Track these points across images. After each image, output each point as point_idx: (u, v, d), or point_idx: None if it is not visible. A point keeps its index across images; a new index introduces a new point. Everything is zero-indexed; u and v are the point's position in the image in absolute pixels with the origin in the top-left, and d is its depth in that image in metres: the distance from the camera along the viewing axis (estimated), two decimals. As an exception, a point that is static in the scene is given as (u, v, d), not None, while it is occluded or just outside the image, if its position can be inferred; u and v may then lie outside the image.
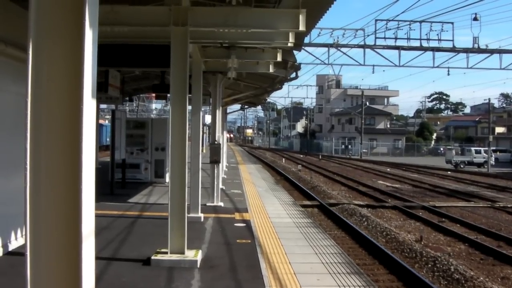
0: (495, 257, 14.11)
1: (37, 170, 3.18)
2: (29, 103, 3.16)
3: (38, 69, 3.17)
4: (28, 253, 3.19)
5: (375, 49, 38.04)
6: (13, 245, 9.48)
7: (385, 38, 37.84)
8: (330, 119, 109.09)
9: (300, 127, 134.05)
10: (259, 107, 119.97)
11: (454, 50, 37.86)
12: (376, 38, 37.50)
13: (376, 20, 37.24)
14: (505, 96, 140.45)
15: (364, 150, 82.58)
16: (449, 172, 49.26)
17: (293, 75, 19.30)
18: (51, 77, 3.19)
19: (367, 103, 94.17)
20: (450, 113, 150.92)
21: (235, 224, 13.02)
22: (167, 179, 19.48)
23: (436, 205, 24.13)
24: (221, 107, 19.95)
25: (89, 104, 3.21)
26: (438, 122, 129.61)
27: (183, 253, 9.07)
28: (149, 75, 20.68)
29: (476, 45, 37.67)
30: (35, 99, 3.17)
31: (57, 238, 3.20)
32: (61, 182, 3.20)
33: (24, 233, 8.61)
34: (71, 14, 3.17)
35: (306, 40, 25.12)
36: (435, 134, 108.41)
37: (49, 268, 3.21)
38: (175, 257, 9.00)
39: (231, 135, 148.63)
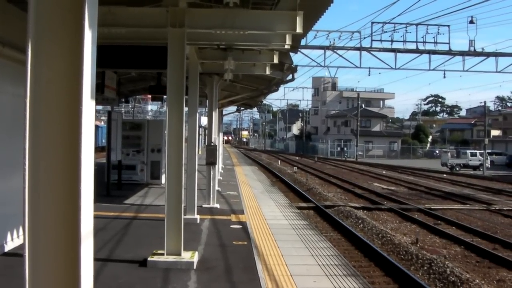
0: (491, 259, 14.13)
1: (36, 170, 3.17)
2: (28, 104, 3.15)
3: (37, 70, 3.16)
4: (26, 254, 3.18)
5: (371, 52, 38.00)
6: (9, 246, 9.46)
7: (381, 40, 37.78)
8: (326, 121, 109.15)
9: (295, 129, 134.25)
10: (254, 109, 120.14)
11: (450, 53, 37.85)
12: (372, 40, 37.44)
13: (372, 23, 37.18)
14: (500, 99, 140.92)
15: (359, 153, 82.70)
16: (444, 175, 49.30)
17: (290, 77, 19.30)
18: (50, 78, 3.18)
19: (363, 106, 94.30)
20: (445, 115, 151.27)
21: (231, 226, 13.02)
22: (163, 180, 19.56)
23: (432, 207, 24.19)
24: (217, 109, 19.95)
25: (88, 105, 3.21)
26: (434, 125, 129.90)
27: (179, 254, 9.07)
28: (145, 77, 20.66)
29: (472, 48, 37.65)
30: (34, 100, 3.16)
31: (55, 239, 3.20)
32: (59, 182, 3.19)
33: (20, 234, 8.61)
34: (70, 14, 3.16)
35: (303, 42, 25.20)
36: (430, 137, 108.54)
37: (48, 268, 3.21)
38: (171, 258, 8.99)
39: (229, 137, 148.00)
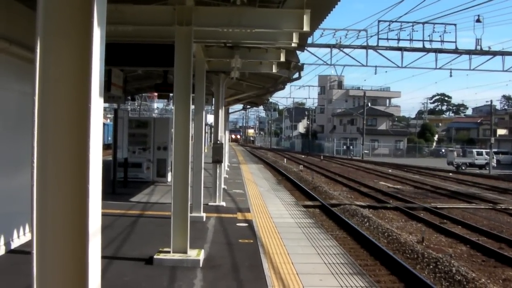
0: (497, 259, 14.10)
1: (44, 168, 3.18)
2: (36, 101, 3.16)
3: (46, 68, 3.17)
4: (34, 251, 3.19)
5: (378, 50, 37.93)
6: (16, 243, 9.48)
7: (387, 39, 37.70)
8: (332, 120, 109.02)
9: (301, 127, 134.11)
10: (260, 107, 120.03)
11: (456, 51, 37.75)
12: (378, 39, 37.37)
13: (379, 21, 37.08)
14: (507, 98, 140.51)
15: (365, 151, 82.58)
16: (450, 174, 49.20)
17: (296, 75, 19.29)
18: (59, 75, 3.19)
19: (369, 104, 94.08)
20: (452, 114, 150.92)
21: (237, 224, 13.03)
22: (169, 178, 19.60)
23: (438, 206, 24.13)
24: (223, 107, 19.96)
25: (97, 103, 3.22)
26: (440, 124, 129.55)
27: (185, 252, 9.08)
28: (151, 74, 20.67)
29: (478, 47, 37.52)
30: (42, 98, 3.17)
31: (63, 236, 3.20)
32: (68, 180, 3.20)
33: (26, 231, 8.63)
34: (79, 12, 3.17)
35: (309, 40, 25.14)
36: (436, 136, 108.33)
37: (55, 266, 3.22)
38: (177, 256, 9.00)
39: (238, 136, 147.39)
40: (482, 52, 37.80)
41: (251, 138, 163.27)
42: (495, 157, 61.16)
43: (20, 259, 8.46)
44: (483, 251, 14.94)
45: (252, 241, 11.05)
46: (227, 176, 25.23)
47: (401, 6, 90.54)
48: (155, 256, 9.00)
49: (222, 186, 17.68)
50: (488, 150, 59.61)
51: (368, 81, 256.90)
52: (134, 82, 22.65)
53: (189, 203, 9.34)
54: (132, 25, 9.38)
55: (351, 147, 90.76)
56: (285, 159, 59.05)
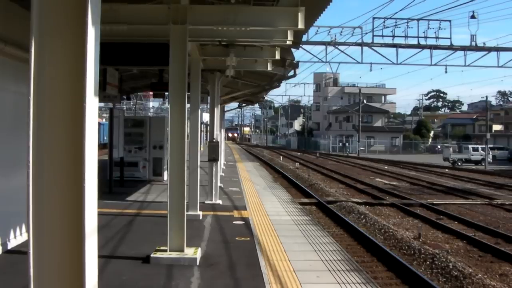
0: (493, 254, 14.12)
1: (40, 168, 3.18)
2: (31, 101, 3.16)
3: (41, 67, 3.17)
4: (31, 251, 3.19)
5: (373, 47, 37.92)
6: (12, 243, 9.48)
7: (382, 36, 37.70)
8: (328, 117, 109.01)
9: (297, 125, 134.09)
10: (256, 105, 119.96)
11: (451, 48, 37.77)
12: (373, 36, 37.36)
13: (373, 18, 37.07)
14: (502, 93, 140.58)
15: (361, 148, 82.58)
16: (446, 170, 49.25)
17: (291, 73, 19.29)
18: (54, 75, 3.19)
19: (365, 101, 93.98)
20: (447, 111, 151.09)
21: (234, 222, 13.04)
22: (165, 177, 19.59)
23: (434, 202, 24.16)
24: (219, 105, 19.96)
25: (92, 102, 3.22)
26: (436, 120, 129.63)
27: (182, 250, 9.09)
28: (146, 74, 20.67)
29: (473, 43, 37.54)
30: (37, 97, 3.17)
31: (60, 236, 3.21)
32: (63, 180, 3.20)
33: (22, 231, 8.62)
34: (74, 11, 3.17)
35: (304, 38, 25.13)
36: (432, 132, 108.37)
37: (52, 265, 3.22)
38: (174, 255, 9.01)
39: (235, 134, 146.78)
40: (477, 48, 37.83)
41: (247, 136, 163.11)
42: (490, 153, 61.24)
43: (17, 259, 8.47)
44: (480, 247, 14.96)
45: (248, 238, 11.07)
46: (223, 174, 25.24)
47: (396, 3, 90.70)
48: (152, 255, 9.01)
49: (218, 184, 17.70)
50: (484, 146, 59.67)
51: (363, 78, 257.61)
52: (129, 81, 22.65)
53: (185, 202, 9.35)
54: (127, 24, 9.36)
55: (347, 144, 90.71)
56: (281, 157, 59.03)
